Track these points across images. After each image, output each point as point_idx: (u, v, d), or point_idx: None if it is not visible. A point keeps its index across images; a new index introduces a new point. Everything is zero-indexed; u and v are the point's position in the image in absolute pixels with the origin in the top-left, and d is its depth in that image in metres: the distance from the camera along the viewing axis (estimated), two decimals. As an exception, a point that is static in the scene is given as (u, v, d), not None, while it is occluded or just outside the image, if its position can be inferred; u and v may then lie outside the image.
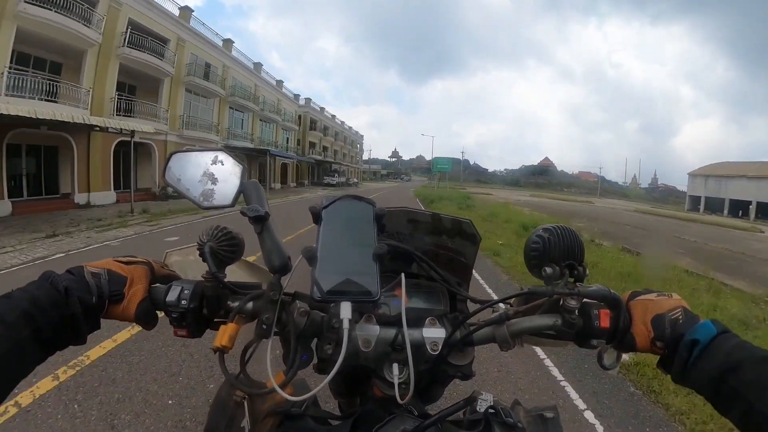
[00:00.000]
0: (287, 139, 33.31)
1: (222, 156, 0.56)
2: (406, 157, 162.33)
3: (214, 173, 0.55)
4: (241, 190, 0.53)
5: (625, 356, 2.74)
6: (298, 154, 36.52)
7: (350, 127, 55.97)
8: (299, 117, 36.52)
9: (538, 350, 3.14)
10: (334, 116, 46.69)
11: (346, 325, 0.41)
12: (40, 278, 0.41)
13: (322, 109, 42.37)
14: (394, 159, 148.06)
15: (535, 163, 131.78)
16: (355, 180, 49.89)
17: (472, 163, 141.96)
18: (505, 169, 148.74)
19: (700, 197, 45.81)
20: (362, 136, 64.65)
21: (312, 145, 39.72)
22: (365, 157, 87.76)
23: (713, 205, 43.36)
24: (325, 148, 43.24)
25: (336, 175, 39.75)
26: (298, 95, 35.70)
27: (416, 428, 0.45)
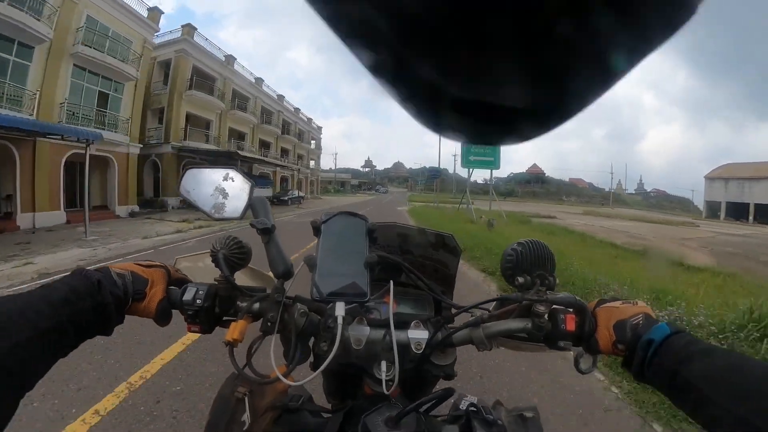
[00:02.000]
0: (96, 94, 13.22)
1: (233, 173, 0.62)
2: (380, 167, 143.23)
3: (225, 188, 0.61)
4: (250, 205, 0.59)
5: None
6: (147, 137, 16.57)
7: (297, 110, 35.21)
8: (155, 61, 16.75)
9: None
10: (260, 81, 25.84)
11: (339, 321, 0.48)
12: (73, 272, 0.45)
13: (229, 59, 21.47)
14: (367, 169, 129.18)
15: (522, 171, 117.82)
16: (299, 193, 27.09)
17: (452, 171, 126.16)
18: (495, 178, 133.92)
19: (719, 203, 42.07)
20: (320, 128, 43.69)
21: (203, 125, 19.80)
22: (326, 164, 67.92)
23: (735, 212, 39.51)
24: (241, 136, 23.39)
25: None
26: (158, 11, 15.70)
27: (399, 413, 0.48)
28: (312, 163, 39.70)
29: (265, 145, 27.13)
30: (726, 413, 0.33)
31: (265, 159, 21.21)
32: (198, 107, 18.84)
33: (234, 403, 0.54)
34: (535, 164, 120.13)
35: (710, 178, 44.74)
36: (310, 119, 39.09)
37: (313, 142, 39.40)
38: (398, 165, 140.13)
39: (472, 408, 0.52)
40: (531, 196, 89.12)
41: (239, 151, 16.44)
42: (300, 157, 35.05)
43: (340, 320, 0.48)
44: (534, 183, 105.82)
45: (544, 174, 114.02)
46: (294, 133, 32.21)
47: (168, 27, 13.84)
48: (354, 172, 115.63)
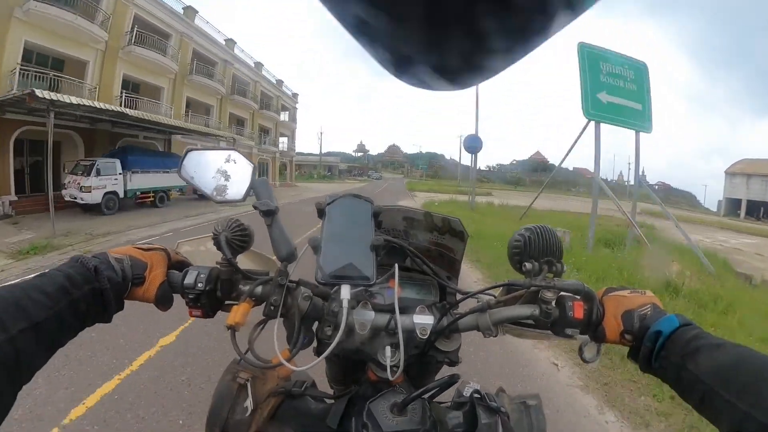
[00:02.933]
0: None
1: (234, 155, 0.60)
2: (373, 152, 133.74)
3: (227, 171, 0.59)
4: (252, 187, 0.58)
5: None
6: None
7: (260, 65, 24.80)
8: None
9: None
10: (192, 11, 16.86)
11: (345, 304, 0.47)
12: (70, 260, 0.45)
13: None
14: (360, 154, 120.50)
15: (526, 158, 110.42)
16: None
17: (449, 157, 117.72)
18: (498, 165, 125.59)
19: (740, 200, 39.89)
20: (296, 95, 31.94)
21: (76, 70, 11.26)
22: (300, 147, 59.66)
23: (751, 209, 38.10)
24: (156, 91, 15.07)
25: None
26: None
27: (404, 400, 0.48)
28: (285, 141, 31.64)
29: (205, 111, 18.87)
30: (731, 407, 0.33)
31: (274, 151, 12.17)
32: (58, 37, 10.41)
33: (236, 389, 0.53)
34: (538, 151, 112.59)
35: (731, 174, 42.21)
36: (280, 81, 28.67)
37: (285, 113, 30.77)
38: (393, 148, 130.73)
39: (476, 395, 0.52)
40: (538, 186, 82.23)
41: (215, 129, 7.85)
42: (264, 130, 26.23)
43: (345, 303, 0.47)
44: (540, 171, 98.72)
45: (548, 162, 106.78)
46: (253, 96, 23.16)
47: None
48: (344, 157, 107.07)
